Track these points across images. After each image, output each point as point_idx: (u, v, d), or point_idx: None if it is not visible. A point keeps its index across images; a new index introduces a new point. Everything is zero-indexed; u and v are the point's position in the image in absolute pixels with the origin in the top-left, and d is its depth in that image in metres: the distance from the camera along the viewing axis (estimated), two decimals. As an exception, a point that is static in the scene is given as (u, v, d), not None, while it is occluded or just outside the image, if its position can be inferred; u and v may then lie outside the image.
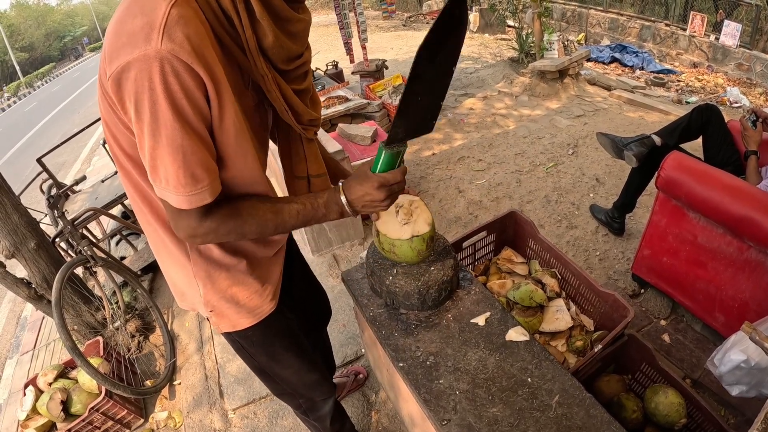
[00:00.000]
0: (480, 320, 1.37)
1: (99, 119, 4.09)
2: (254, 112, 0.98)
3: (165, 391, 2.48)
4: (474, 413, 1.12)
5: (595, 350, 1.69)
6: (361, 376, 2.24)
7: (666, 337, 2.23)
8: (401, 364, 1.27)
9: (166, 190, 0.83)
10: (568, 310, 1.98)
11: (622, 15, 9.72)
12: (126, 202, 3.50)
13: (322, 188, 1.19)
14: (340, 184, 1.05)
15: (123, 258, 3.55)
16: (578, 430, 1.08)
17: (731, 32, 7.54)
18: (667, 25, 8.76)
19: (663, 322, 2.33)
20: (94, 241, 2.69)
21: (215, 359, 2.58)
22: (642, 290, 2.51)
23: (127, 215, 3.90)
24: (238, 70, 0.88)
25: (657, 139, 2.51)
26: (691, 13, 8.27)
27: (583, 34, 9.92)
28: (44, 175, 3.47)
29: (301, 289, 1.49)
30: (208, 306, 1.11)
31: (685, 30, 8.32)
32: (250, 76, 0.91)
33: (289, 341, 1.31)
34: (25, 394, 2.28)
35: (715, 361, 1.57)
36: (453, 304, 1.44)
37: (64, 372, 2.42)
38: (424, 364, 1.26)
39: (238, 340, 1.23)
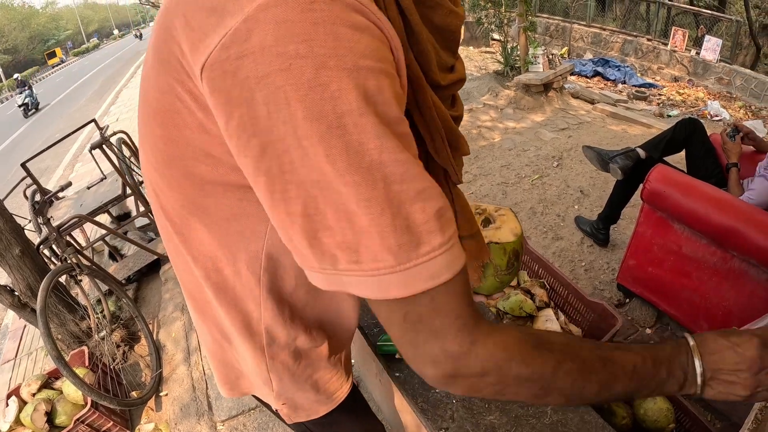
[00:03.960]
0: (474, 329, 1.38)
1: (83, 126, 4.03)
2: None
3: (151, 403, 2.44)
4: (471, 421, 1.13)
5: (585, 359, 1.71)
6: (351, 385, 2.21)
7: (652, 346, 2.27)
8: (397, 374, 1.28)
9: (375, 271, 0.44)
10: (557, 319, 2.00)
11: (604, 30, 9.93)
12: (111, 210, 3.46)
13: (479, 255, 0.83)
14: (690, 339, 0.59)
15: (122, 254, 3.52)
16: (572, 437, 1.10)
17: (712, 47, 7.74)
18: (648, 39, 8.97)
19: (648, 331, 2.37)
20: (79, 248, 2.65)
21: (203, 370, 2.55)
22: (627, 300, 2.55)
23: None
24: None
25: (642, 153, 2.57)
26: (673, 28, 8.48)
27: (566, 48, 10.10)
28: (28, 181, 3.42)
29: None
30: (280, 399, 0.86)
31: (666, 45, 8.52)
32: None
33: (361, 409, 1.11)
34: (7, 405, 2.23)
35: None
36: (447, 313, 1.45)
37: (47, 382, 2.37)
38: (420, 373, 1.27)
39: (310, 427, 0.97)
